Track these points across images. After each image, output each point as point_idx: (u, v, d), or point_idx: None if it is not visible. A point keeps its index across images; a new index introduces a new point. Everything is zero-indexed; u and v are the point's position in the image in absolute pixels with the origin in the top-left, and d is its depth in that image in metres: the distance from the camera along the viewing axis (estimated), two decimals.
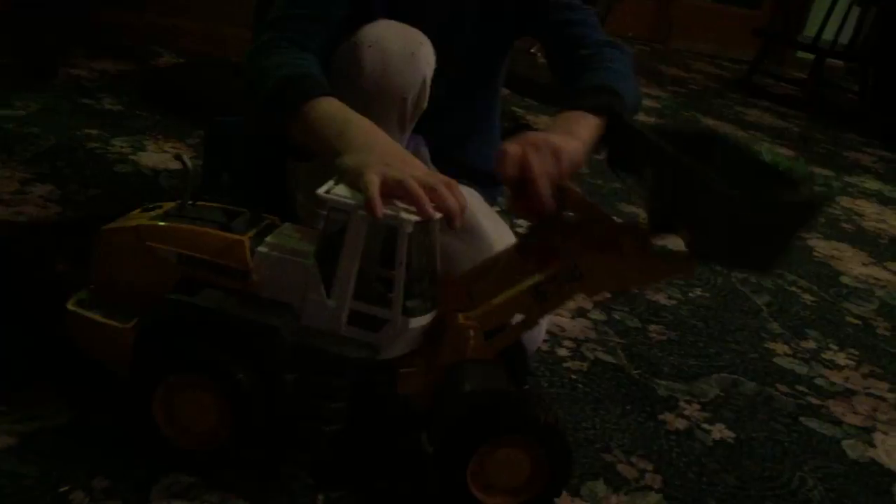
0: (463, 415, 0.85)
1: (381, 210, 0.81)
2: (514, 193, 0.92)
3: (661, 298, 1.62)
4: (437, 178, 0.86)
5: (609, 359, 1.34)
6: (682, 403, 1.25)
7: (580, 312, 1.48)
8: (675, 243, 0.87)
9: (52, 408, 0.94)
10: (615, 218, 0.93)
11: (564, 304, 0.89)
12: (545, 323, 1.19)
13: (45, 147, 1.69)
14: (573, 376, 1.27)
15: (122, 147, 1.78)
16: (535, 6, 1.17)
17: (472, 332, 0.88)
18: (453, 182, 0.87)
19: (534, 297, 0.88)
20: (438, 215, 0.84)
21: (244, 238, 0.88)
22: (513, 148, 0.90)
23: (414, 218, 0.82)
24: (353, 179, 0.85)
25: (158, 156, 1.77)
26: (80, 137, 1.78)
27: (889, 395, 1.41)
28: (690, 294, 1.67)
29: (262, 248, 0.88)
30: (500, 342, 0.90)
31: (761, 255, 0.83)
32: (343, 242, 0.83)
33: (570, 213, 0.94)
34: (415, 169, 0.87)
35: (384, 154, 0.88)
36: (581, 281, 0.88)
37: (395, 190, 0.83)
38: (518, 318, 0.91)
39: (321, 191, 0.84)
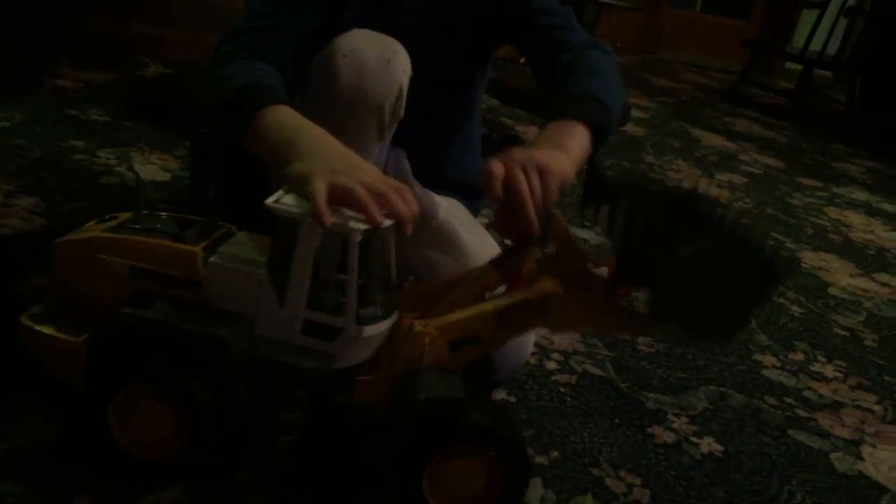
0: (417, 423, 0.85)
1: (329, 219, 0.80)
2: (499, 213, 0.92)
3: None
4: (388, 185, 0.85)
5: (597, 371, 1.34)
6: (670, 416, 1.25)
7: None
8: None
9: (32, 423, 0.93)
10: (590, 262, 0.92)
11: (527, 332, 0.90)
12: (532, 336, 1.19)
13: (31, 159, 1.67)
14: (561, 389, 1.26)
15: (108, 159, 1.77)
16: (511, 13, 1.17)
17: (427, 340, 0.87)
18: (404, 187, 0.86)
19: (499, 320, 0.88)
20: (388, 222, 0.84)
21: (196, 248, 0.88)
22: (498, 168, 0.89)
23: (362, 226, 0.82)
24: (301, 187, 0.84)
25: (145, 167, 1.76)
26: (65, 149, 1.77)
27: (877, 408, 1.41)
28: None
29: (214, 259, 0.88)
30: (465, 354, 0.90)
31: (721, 321, 0.83)
32: (294, 252, 0.83)
33: (550, 243, 0.93)
34: (365, 175, 0.86)
35: (333, 161, 0.88)
36: (546, 316, 0.88)
37: (343, 197, 0.83)
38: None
39: (269, 201, 0.84)
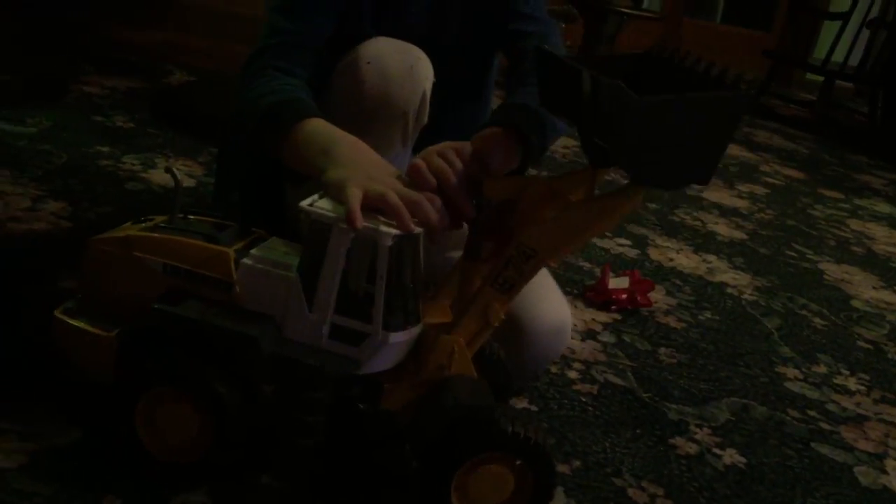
0: (447, 430, 0.85)
1: (361, 223, 0.81)
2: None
3: (671, 321, 1.61)
4: (421, 193, 0.87)
5: (619, 381, 1.34)
6: (692, 427, 1.25)
7: (589, 335, 1.48)
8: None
9: (58, 425, 0.94)
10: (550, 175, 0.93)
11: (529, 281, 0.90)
12: (570, 322, 1.19)
13: (58, 164, 1.70)
14: (583, 399, 1.26)
15: (132, 164, 1.79)
16: (498, 13, 1.18)
17: (456, 349, 0.88)
18: (435, 197, 0.88)
19: (498, 289, 0.88)
20: (419, 229, 0.85)
21: (229, 250, 0.89)
22: (418, 161, 0.92)
23: (393, 231, 0.83)
24: (336, 193, 0.86)
25: (166, 173, 1.78)
26: (91, 155, 1.79)
27: None
28: (700, 317, 1.67)
29: (246, 260, 0.89)
30: (478, 339, 0.90)
31: (692, 163, 0.82)
32: (325, 255, 0.84)
33: (495, 202, 0.95)
34: (398, 183, 0.89)
35: (368, 168, 0.90)
36: (536, 255, 0.87)
37: (376, 203, 0.84)
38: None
39: (304, 204, 0.85)
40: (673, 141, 0.79)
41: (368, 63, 1.06)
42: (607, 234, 1.98)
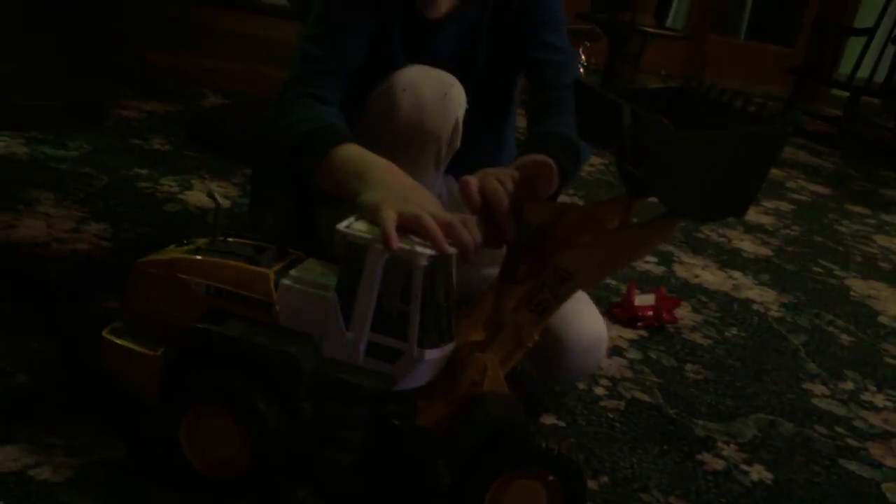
0: (481, 445, 0.88)
1: (396, 244, 0.85)
2: (483, 225, 0.97)
3: (698, 338, 1.63)
4: (454, 215, 0.91)
5: (646, 398, 1.36)
6: (719, 444, 1.26)
7: (616, 351, 1.50)
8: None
9: (103, 440, 0.98)
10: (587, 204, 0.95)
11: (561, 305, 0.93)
12: (605, 337, 1.21)
13: (98, 187, 1.75)
14: (610, 415, 1.28)
15: (170, 186, 1.84)
16: (523, 39, 1.21)
17: (489, 366, 0.91)
18: (470, 218, 0.92)
19: (532, 311, 0.92)
20: (453, 250, 0.88)
21: (269, 271, 0.93)
22: (470, 180, 0.96)
23: (428, 252, 0.86)
24: (372, 215, 0.90)
25: (205, 195, 1.83)
26: (130, 177, 1.85)
27: None
28: (727, 333, 1.68)
29: (285, 281, 0.92)
30: (512, 360, 0.93)
31: (730, 196, 0.84)
32: (361, 276, 0.87)
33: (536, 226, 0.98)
34: (431, 205, 0.92)
35: (402, 191, 0.94)
36: (571, 279, 0.91)
37: (411, 224, 0.88)
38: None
39: (341, 226, 0.89)
40: (711, 175, 0.82)
41: (404, 90, 1.10)
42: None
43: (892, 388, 1.58)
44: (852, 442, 1.35)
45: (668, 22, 4.91)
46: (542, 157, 1.04)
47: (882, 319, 1.94)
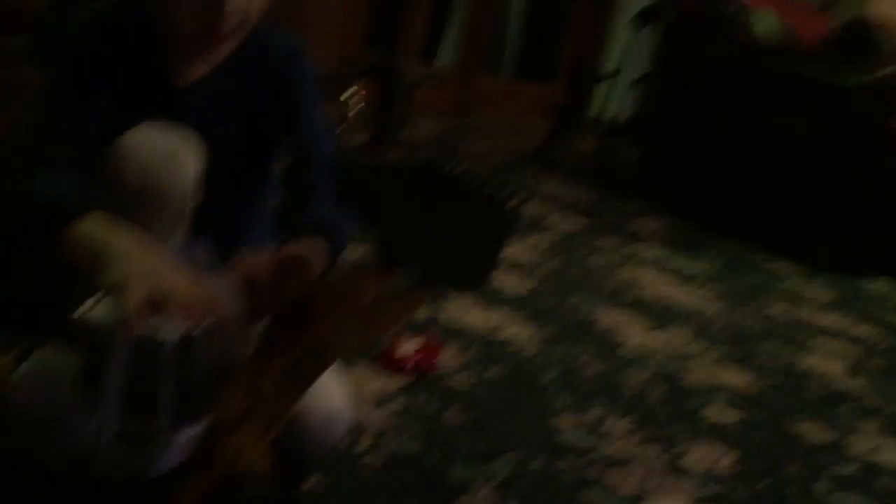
0: None
1: (138, 328, 0.84)
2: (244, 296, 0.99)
3: (459, 381, 1.72)
4: (200, 292, 0.91)
5: (407, 449, 1.42)
6: (475, 485, 1.35)
7: (380, 402, 1.55)
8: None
9: None
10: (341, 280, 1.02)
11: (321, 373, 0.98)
12: (345, 410, 1.24)
13: None
14: (370, 473, 1.33)
15: None
16: (290, 120, 1.26)
17: (246, 445, 0.93)
18: (216, 296, 0.93)
19: (292, 382, 0.95)
20: (202, 327, 0.89)
21: (5, 360, 0.89)
22: (241, 260, 1.00)
23: (174, 336, 0.87)
24: (117, 294, 0.87)
25: None
26: None
27: (656, 462, 1.57)
28: (486, 375, 1.79)
29: (24, 367, 0.89)
30: (270, 429, 0.95)
31: (467, 270, 0.94)
32: (105, 361, 0.86)
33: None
34: (179, 279, 0.91)
35: (148, 265, 0.91)
36: (327, 353, 0.96)
37: (162, 300, 0.87)
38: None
39: (77, 314, 0.87)
40: (448, 249, 0.89)
41: (127, 152, 1.08)
42: None
43: (632, 413, 1.75)
44: (592, 473, 1.49)
45: (438, 58, 5.12)
46: (314, 240, 1.08)
47: (621, 351, 2.13)
